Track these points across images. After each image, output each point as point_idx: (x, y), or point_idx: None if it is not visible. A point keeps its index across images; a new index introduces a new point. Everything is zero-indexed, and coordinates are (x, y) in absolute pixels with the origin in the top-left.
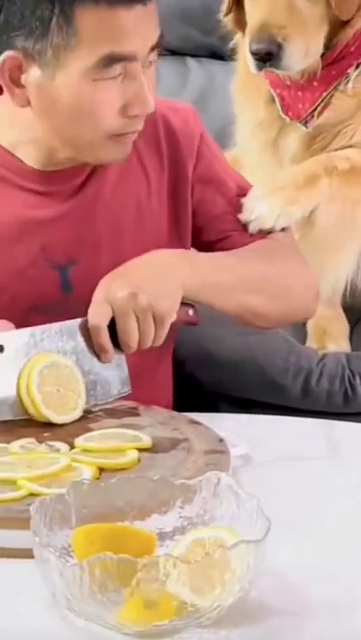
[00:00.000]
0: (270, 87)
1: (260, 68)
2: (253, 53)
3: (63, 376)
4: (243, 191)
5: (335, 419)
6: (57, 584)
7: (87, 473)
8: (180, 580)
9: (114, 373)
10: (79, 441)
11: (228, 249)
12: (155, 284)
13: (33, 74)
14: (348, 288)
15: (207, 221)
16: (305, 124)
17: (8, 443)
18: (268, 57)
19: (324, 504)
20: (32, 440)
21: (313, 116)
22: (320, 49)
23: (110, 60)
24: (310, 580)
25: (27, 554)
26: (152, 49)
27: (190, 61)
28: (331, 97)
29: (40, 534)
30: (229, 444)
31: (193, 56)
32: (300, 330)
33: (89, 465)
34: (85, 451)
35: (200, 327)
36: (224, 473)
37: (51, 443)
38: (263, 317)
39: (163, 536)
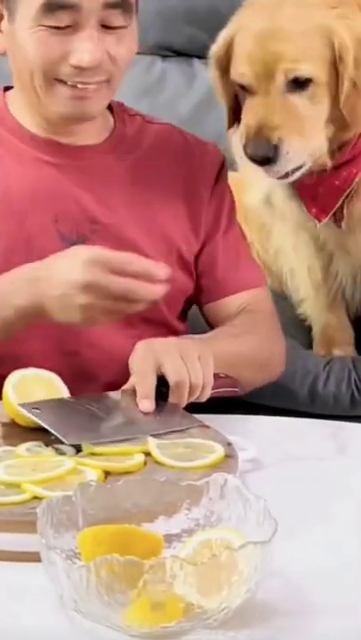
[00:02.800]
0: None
1: (265, 172)
2: (250, 157)
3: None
4: (241, 242)
5: (342, 422)
6: (64, 586)
7: (92, 476)
8: (186, 582)
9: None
10: (86, 444)
11: (206, 282)
12: (188, 339)
13: (5, 19)
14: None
15: (203, 252)
16: (335, 222)
17: (15, 445)
18: (265, 160)
19: (332, 505)
20: (39, 443)
21: (343, 215)
22: (322, 148)
23: (51, 7)
24: (317, 581)
25: (31, 557)
26: (109, 6)
27: (196, 63)
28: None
29: (47, 536)
30: (238, 447)
31: (199, 57)
32: (306, 336)
33: (94, 468)
34: (92, 454)
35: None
36: (231, 474)
37: (57, 446)
38: (248, 386)
39: (170, 538)
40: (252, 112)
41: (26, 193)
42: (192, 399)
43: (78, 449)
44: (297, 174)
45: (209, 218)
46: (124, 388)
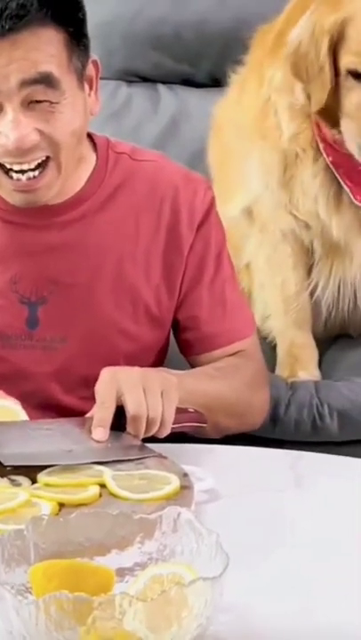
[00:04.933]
0: (332, 167)
1: None
2: None
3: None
4: (228, 288)
5: (303, 447)
6: (14, 622)
7: (46, 508)
8: (136, 618)
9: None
10: (41, 475)
11: (190, 337)
12: (155, 372)
13: None
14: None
15: (185, 304)
16: None
17: None
18: None
19: (290, 537)
20: None
21: None
22: None
23: None
24: (270, 613)
25: None
26: (28, 83)
27: (161, 88)
28: None
29: None
30: (195, 477)
31: (164, 83)
32: (269, 358)
33: (49, 500)
34: (47, 485)
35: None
36: (184, 508)
37: (13, 477)
38: (222, 431)
39: (123, 572)
40: None
41: None
42: (150, 433)
43: (34, 480)
44: None
45: (192, 266)
46: (88, 414)
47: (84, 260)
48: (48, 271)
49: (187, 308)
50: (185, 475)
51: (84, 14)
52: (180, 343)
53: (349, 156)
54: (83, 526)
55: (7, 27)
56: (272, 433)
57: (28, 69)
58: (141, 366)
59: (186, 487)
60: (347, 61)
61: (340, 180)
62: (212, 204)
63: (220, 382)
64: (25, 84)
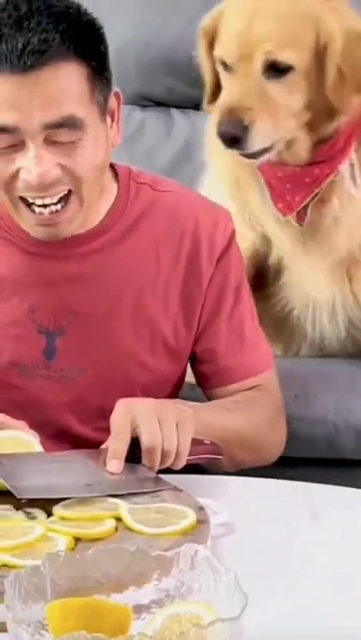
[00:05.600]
0: (261, 174)
1: (227, 147)
2: (220, 135)
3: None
4: (247, 321)
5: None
6: None
7: (62, 543)
8: None
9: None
10: (57, 508)
11: (207, 370)
12: (171, 403)
13: None
14: None
15: (203, 337)
16: (297, 221)
17: None
18: (234, 140)
19: (305, 571)
20: (9, 507)
21: (306, 214)
22: (294, 135)
23: None
24: None
25: None
26: (51, 127)
27: (175, 112)
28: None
29: (14, 609)
30: (211, 511)
31: (178, 107)
32: None
33: (64, 535)
34: (62, 519)
35: None
36: (202, 545)
37: (28, 510)
38: (237, 465)
39: (140, 608)
40: (229, 91)
41: (3, 281)
42: (165, 465)
43: (49, 513)
44: (265, 156)
45: (210, 299)
46: (103, 445)
47: (103, 291)
48: (66, 301)
49: (204, 340)
50: (201, 508)
51: (105, 47)
52: (196, 375)
53: (269, 162)
54: (99, 562)
55: (29, 63)
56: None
57: (52, 112)
58: (157, 398)
59: (202, 521)
60: (218, 53)
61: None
62: (232, 237)
63: (237, 415)
64: (48, 126)
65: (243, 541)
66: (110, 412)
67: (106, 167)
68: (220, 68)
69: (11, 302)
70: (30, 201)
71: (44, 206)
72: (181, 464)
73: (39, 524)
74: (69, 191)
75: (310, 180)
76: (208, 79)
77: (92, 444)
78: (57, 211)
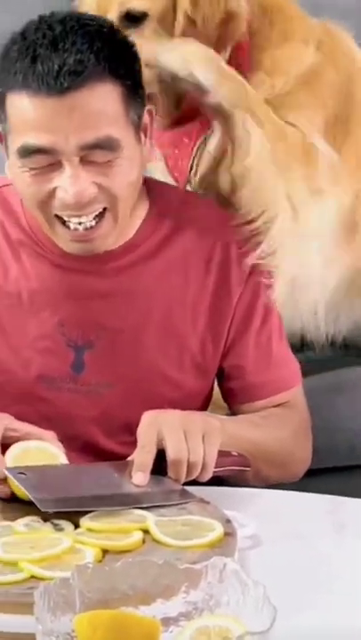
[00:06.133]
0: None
1: None
2: None
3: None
4: (275, 338)
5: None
6: None
7: (90, 555)
8: None
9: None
10: (84, 520)
11: (234, 386)
12: (197, 415)
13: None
14: None
15: (230, 353)
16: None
17: (14, 520)
18: None
19: (330, 585)
20: (37, 518)
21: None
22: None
23: (26, 152)
24: None
25: (26, 639)
26: (87, 148)
27: None
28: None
29: (43, 621)
30: (238, 523)
31: None
32: None
33: (92, 546)
34: (90, 530)
35: None
36: (230, 558)
37: (56, 521)
38: (262, 480)
39: (168, 621)
40: None
41: (34, 294)
42: (191, 478)
43: (76, 524)
44: None
45: (239, 315)
46: (129, 457)
47: (132, 307)
48: (96, 316)
49: (232, 356)
50: (228, 521)
51: (140, 66)
52: (223, 391)
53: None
54: (128, 575)
55: (65, 84)
56: None
57: (88, 134)
58: None
59: (229, 534)
60: (82, 9)
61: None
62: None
63: (264, 431)
64: (84, 148)
65: (269, 554)
66: (136, 427)
67: (139, 184)
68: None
69: (40, 316)
70: (66, 219)
71: (79, 223)
72: (208, 476)
73: (67, 536)
74: (104, 208)
75: (188, 140)
76: None
77: (117, 458)
78: (91, 227)
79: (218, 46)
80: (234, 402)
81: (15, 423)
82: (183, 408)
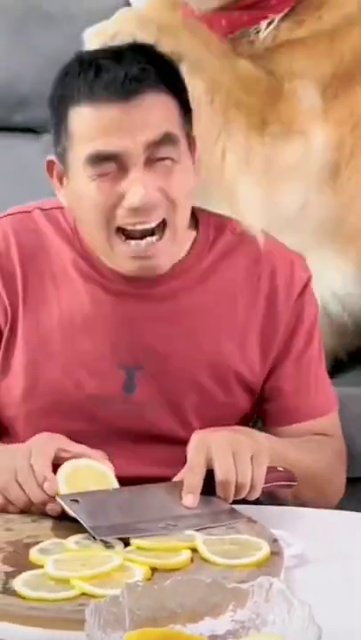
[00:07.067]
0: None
1: None
2: None
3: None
4: (315, 364)
5: None
6: None
7: (139, 573)
8: None
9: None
10: (134, 538)
11: (272, 407)
12: (246, 434)
13: (65, 176)
14: None
15: (271, 375)
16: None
17: (65, 537)
18: None
19: None
20: (88, 536)
21: None
22: None
23: (95, 159)
24: None
25: None
26: (152, 145)
27: None
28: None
29: (94, 637)
30: (284, 542)
31: None
32: None
33: (141, 565)
34: (139, 548)
35: None
36: (276, 577)
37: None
38: (298, 501)
39: (215, 639)
40: None
41: (86, 315)
42: (239, 497)
43: (126, 542)
44: None
45: (282, 339)
46: (175, 478)
47: (182, 331)
48: (146, 339)
49: (272, 378)
50: (275, 540)
51: (187, 89)
52: (260, 411)
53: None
54: (176, 593)
55: (132, 89)
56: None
57: (152, 131)
58: None
59: (276, 553)
60: None
61: None
62: (308, 282)
63: (305, 453)
64: (150, 145)
65: (315, 573)
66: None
67: (191, 199)
68: None
69: (93, 338)
70: (130, 228)
71: (142, 237)
72: (256, 495)
73: (117, 554)
74: (164, 221)
75: (226, 24)
76: None
77: (154, 478)
78: (152, 242)
79: None
80: (270, 423)
81: (67, 444)
82: (228, 424)
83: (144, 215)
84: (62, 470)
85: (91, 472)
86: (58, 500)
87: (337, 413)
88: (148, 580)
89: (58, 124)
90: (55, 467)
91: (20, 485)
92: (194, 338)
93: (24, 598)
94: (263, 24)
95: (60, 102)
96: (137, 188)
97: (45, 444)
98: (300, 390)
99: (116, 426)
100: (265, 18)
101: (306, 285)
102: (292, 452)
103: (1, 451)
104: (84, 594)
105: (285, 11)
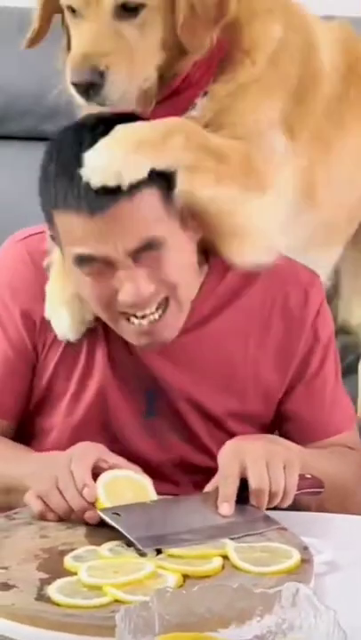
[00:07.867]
0: None
1: (86, 100)
2: (75, 85)
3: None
4: (330, 382)
5: None
6: None
7: (171, 580)
8: None
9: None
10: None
11: (288, 427)
12: (279, 444)
13: None
14: None
15: (286, 396)
16: None
17: (99, 545)
18: (91, 88)
19: None
20: (121, 543)
21: None
22: (150, 77)
23: (83, 260)
24: None
25: None
26: (137, 250)
27: None
28: None
29: None
30: (314, 550)
31: None
32: None
33: (173, 572)
34: (171, 556)
35: None
36: (303, 583)
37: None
38: (322, 510)
39: None
40: (80, 38)
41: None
42: (272, 505)
43: (159, 550)
44: (122, 104)
45: (297, 362)
46: (207, 488)
47: (194, 365)
48: (158, 373)
49: (290, 401)
50: (305, 548)
51: None
52: (279, 432)
53: None
54: (204, 598)
55: (105, 201)
56: None
57: (133, 240)
58: None
59: (306, 561)
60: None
61: None
62: (322, 303)
63: (332, 464)
64: (132, 252)
65: (346, 580)
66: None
67: (194, 264)
68: (68, 16)
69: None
70: (131, 317)
71: (143, 317)
72: (288, 502)
73: (149, 561)
74: (167, 297)
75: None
76: (39, 25)
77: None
78: (155, 320)
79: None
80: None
81: (107, 454)
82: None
83: (141, 308)
84: (102, 479)
85: (130, 483)
86: (100, 514)
87: (356, 429)
88: (180, 586)
89: (49, 222)
90: (94, 476)
91: (61, 492)
92: (206, 370)
93: (58, 605)
94: (197, 101)
95: (44, 203)
96: (128, 285)
97: (86, 452)
98: (317, 409)
99: (135, 451)
100: (196, 96)
101: (320, 307)
102: (319, 462)
103: (42, 458)
104: (116, 601)
105: (210, 81)
